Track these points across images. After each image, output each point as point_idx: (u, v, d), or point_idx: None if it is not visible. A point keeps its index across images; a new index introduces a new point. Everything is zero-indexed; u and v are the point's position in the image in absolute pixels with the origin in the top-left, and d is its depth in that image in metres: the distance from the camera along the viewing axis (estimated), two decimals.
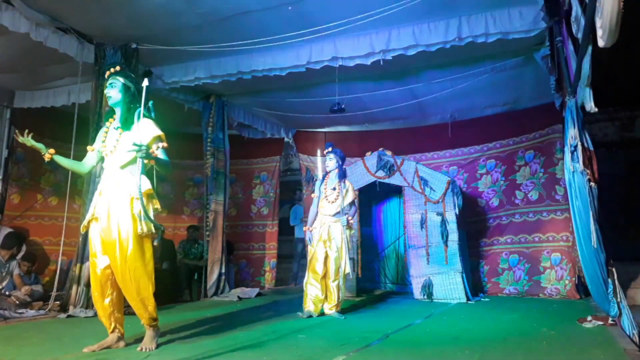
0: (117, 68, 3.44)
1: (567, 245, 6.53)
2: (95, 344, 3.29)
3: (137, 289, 3.23)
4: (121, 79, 3.40)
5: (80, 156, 3.67)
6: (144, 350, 3.24)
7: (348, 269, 4.97)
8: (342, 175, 5.16)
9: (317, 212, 5.13)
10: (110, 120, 3.49)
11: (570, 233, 6.36)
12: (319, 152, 8.65)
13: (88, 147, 3.53)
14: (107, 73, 3.43)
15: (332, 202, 5.05)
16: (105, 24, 5.18)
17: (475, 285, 6.80)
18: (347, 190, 5.11)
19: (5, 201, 6.87)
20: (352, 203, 5.17)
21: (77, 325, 4.43)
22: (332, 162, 5.14)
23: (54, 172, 7.32)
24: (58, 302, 5.20)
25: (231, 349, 3.28)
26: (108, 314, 3.35)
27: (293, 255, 8.73)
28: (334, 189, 5.08)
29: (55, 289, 5.37)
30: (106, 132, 3.48)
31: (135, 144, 3.06)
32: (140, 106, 3.19)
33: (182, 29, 5.26)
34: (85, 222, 3.43)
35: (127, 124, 3.37)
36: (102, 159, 3.52)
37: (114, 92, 3.39)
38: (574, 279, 6.32)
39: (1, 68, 6.02)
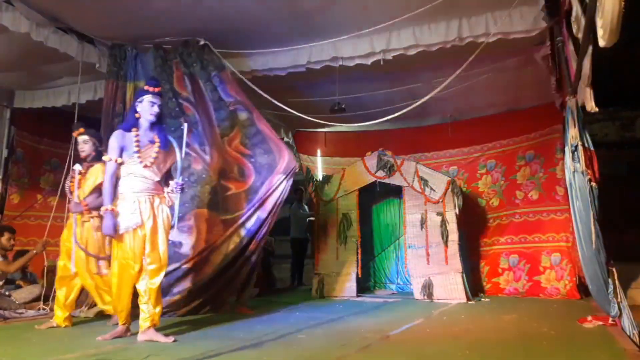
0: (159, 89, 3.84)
1: (567, 245, 6.53)
2: (107, 334, 3.63)
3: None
4: (160, 100, 3.81)
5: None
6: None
7: None
8: None
9: None
10: (134, 130, 3.69)
11: (570, 233, 6.35)
12: (319, 152, 8.67)
13: (116, 160, 3.63)
14: (158, 89, 3.79)
15: None
16: (109, 24, 5.20)
17: (475, 285, 6.79)
18: None
19: (5, 201, 6.86)
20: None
21: (76, 325, 4.43)
22: None
23: (54, 172, 7.31)
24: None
25: (231, 349, 3.27)
26: (129, 308, 3.69)
27: (291, 255, 8.71)
28: None
29: (54, 290, 5.35)
30: (137, 142, 3.66)
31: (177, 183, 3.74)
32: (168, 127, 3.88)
33: (183, 30, 5.27)
34: (129, 229, 3.58)
35: (166, 144, 3.79)
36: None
37: (158, 109, 3.77)
38: (574, 279, 6.32)
39: (1, 67, 6.02)
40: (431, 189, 6.45)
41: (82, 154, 4.36)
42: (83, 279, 4.24)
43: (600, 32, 2.40)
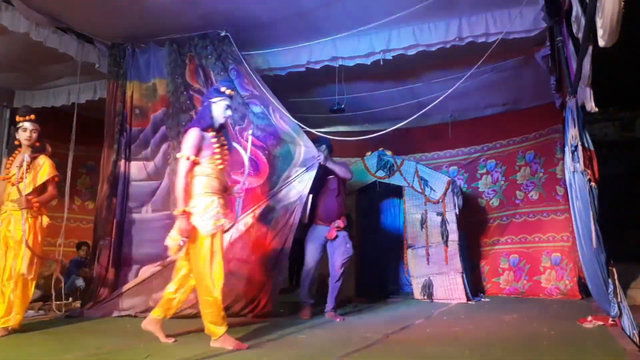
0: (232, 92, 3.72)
1: (567, 245, 6.53)
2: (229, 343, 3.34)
3: None
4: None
5: (81, 156, 3.73)
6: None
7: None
8: None
9: None
10: (211, 130, 3.56)
11: (570, 233, 6.35)
12: None
13: (191, 158, 3.45)
14: (231, 92, 3.68)
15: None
16: (109, 23, 5.20)
17: (475, 285, 6.79)
18: None
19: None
20: None
21: (77, 325, 4.43)
22: None
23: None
24: (58, 302, 5.18)
25: (231, 348, 3.27)
26: None
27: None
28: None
29: (53, 290, 5.36)
30: (216, 143, 3.56)
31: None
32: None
33: (184, 28, 5.28)
34: (225, 227, 3.53)
35: (231, 147, 3.77)
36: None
37: (231, 112, 3.73)
38: (575, 278, 6.31)
39: (1, 68, 6.02)
40: (431, 189, 6.45)
41: (29, 142, 4.20)
42: None
43: (600, 32, 2.40)
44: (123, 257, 5.24)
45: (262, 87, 5.23)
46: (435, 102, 4.61)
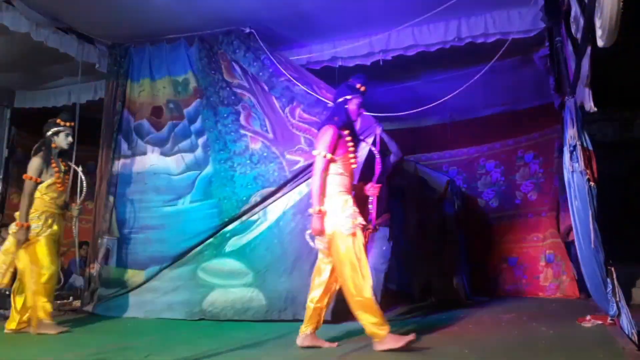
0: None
1: (556, 241, 6.56)
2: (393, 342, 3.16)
3: None
4: None
5: (82, 156, 3.75)
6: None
7: None
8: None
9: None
10: (346, 129, 3.46)
11: (554, 229, 6.38)
12: None
13: (328, 156, 3.32)
14: (364, 89, 3.52)
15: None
16: (109, 23, 5.21)
17: (475, 285, 6.80)
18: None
19: (5, 201, 6.87)
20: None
21: (77, 324, 4.44)
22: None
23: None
24: (58, 302, 5.20)
25: (231, 348, 3.28)
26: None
27: None
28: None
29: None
30: (351, 142, 3.45)
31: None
32: None
33: (182, 29, 5.29)
34: (355, 229, 3.29)
35: (358, 141, 3.67)
36: None
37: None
38: (572, 274, 6.32)
39: (2, 68, 6.03)
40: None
41: (69, 147, 4.38)
42: None
43: (599, 33, 2.40)
44: (137, 255, 5.20)
45: (299, 70, 5.21)
46: (441, 101, 4.60)
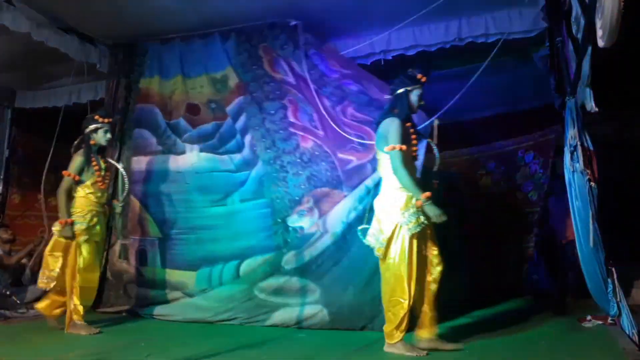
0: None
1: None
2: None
3: None
4: None
5: None
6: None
7: None
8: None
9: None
10: (407, 121, 3.41)
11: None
12: None
13: (403, 148, 3.25)
14: (425, 79, 3.43)
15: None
16: (110, 23, 5.21)
17: (474, 285, 6.79)
18: None
19: (6, 201, 6.88)
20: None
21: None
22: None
23: (55, 173, 7.31)
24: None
25: (231, 348, 3.28)
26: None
27: None
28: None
29: None
30: (413, 135, 3.42)
31: None
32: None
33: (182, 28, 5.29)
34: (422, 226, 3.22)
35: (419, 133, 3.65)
36: None
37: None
38: None
39: (2, 68, 6.03)
40: None
41: (107, 144, 4.36)
42: None
43: (599, 33, 2.40)
44: (186, 256, 5.01)
45: (351, 65, 5.03)
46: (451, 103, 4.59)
